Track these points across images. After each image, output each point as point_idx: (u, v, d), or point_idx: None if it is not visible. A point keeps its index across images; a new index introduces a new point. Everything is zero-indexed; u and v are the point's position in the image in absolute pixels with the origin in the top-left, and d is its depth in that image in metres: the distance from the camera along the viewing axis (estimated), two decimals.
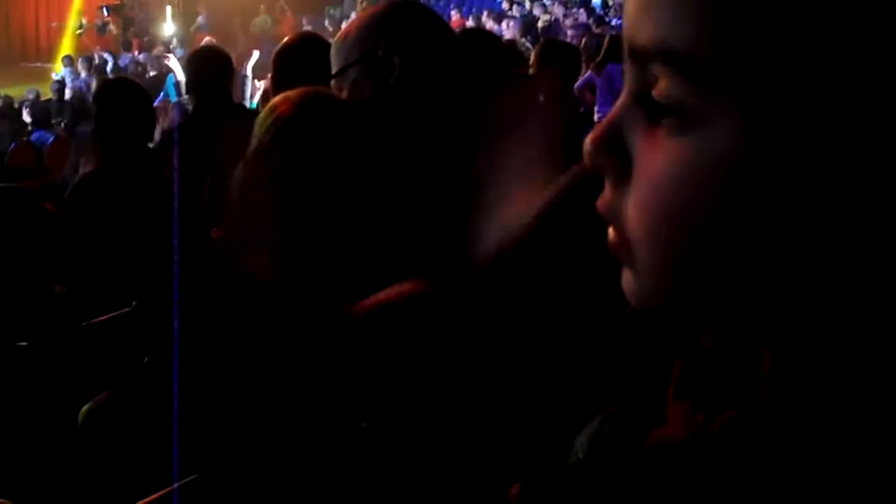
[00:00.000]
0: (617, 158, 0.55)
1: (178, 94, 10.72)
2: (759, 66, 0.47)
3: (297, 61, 3.07)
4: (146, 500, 1.69)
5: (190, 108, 6.37)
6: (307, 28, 17.41)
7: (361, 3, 18.47)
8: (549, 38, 6.48)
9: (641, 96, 0.53)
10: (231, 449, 1.58)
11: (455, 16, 16.52)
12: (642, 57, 0.52)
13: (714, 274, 0.51)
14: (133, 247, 3.49)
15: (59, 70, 16.44)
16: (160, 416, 2.04)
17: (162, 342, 2.11)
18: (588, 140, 0.56)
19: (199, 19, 19.93)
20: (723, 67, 0.48)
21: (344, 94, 1.86)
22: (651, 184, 0.52)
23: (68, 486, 2.24)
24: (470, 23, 14.38)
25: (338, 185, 1.64)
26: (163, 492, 1.69)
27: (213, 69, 4.31)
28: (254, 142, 1.72)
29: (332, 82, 1.89)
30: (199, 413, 1.63)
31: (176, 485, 1.63)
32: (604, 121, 0.56)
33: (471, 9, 17.10)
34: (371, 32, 1.86)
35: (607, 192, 0.56)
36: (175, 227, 2.17)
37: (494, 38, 3.90)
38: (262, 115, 1.76)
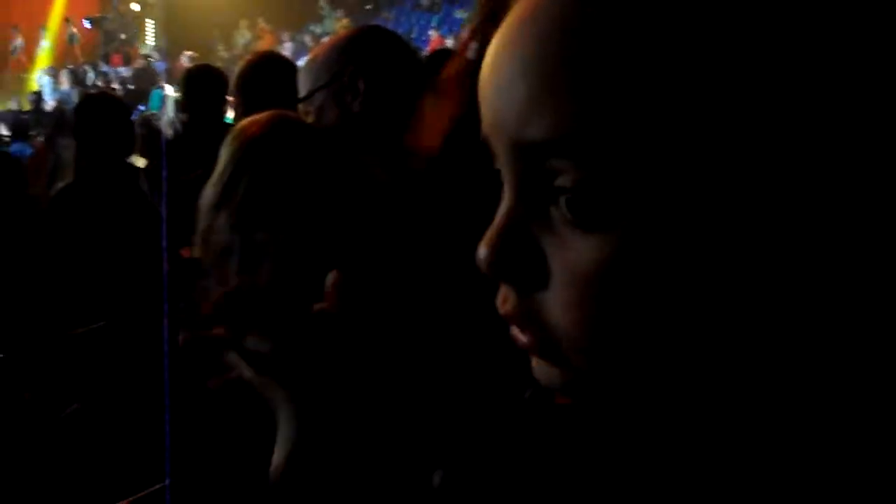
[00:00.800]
0: (525, 264, 0.51)
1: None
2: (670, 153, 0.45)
3: (259, 81, 3.10)
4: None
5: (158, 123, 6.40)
6: (287, 44, 17.48)
7: (340, 19, 18.56)
8: None
9: (537, 193, 0.50)
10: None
11: (434, 35, 16.61)
12: (537, 153, 0.49)
13: (655, 358, 0.49)
14: (108, 261, 3.52)
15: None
16: (127, 426, 2.09)
17: (133, 357, 2.17)
18: (484, 250, 0.53)
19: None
20: (629, 151, 0.46)
21: (310, 118, 1.91)
22: (580, 281, 0.49)
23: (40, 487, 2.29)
24: (450, 41, 14.45)
25: (301, 208, 1.69)
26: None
27: (207, 88, 4.21)
28: (220, 164, 1.77)
29: (300, 106, 1.95)
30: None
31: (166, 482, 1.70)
32: (495, 229, 0.53)
33: (451, 28, 17.18)
34: (338, 57, 1.91)
35: (512, 300, 0.53)
36: (164, 242, 2.21)
37: None
38: (229, 136, 1.81)
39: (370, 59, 1.89)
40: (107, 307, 3.08)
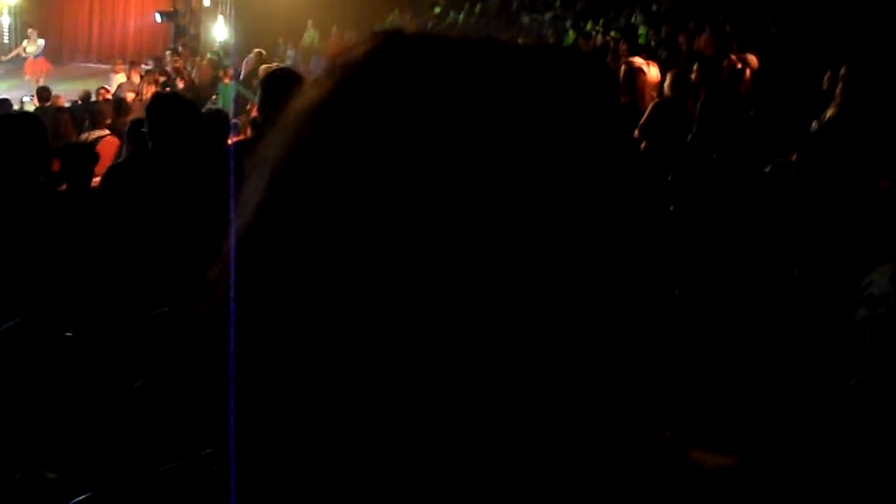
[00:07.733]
0: None
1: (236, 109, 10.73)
2: None
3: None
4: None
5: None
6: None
7: (411, 21, 18.67)
8: None
9: None
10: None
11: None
12: None
13: None
14: (159, 252, 3.67)
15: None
16: (184, 403, 2.29)
17: (192, 345, 2.37)
18: None
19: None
20: None
21: None
22: None
23: (103, 456, 2.46)
24: None
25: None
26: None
27: (287, 91, 4.27)
28: None
29: None
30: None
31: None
32: None
33: (519, 33, 16.97)
34: None
35: None
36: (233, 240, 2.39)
37: None
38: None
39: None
40: (172, 294, 3.21)
